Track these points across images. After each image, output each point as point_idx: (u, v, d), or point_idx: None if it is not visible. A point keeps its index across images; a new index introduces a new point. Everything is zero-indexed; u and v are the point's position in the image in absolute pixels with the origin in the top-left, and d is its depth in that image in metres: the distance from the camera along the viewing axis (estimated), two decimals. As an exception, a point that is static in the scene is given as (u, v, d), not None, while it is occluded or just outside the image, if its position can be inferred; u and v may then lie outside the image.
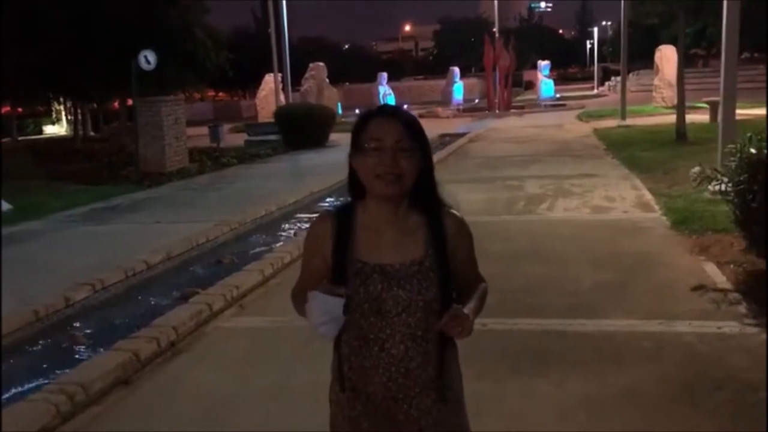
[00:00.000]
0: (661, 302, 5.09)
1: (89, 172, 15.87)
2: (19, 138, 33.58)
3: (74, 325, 5.59)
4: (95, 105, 30.87)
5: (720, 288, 5.30)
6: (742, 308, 4.85)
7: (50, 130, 39.85)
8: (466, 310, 1.72)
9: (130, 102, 18.39)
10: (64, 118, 36.74)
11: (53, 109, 37.01)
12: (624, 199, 9.25)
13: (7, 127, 33.84)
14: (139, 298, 6.30)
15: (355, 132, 1.79)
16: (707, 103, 19.84)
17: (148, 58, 14.70)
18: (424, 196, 1.82)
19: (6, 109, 36.72)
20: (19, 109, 37.60)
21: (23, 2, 17.26)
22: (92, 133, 32.46)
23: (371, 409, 1.83)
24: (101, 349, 4.78)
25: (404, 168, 1.72)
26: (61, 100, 28.92)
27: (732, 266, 5.75)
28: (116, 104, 27.03)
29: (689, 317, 4.75)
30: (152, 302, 6.16)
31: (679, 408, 3.55)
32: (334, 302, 1.68)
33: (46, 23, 17.25)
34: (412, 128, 1.76)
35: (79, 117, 29.98)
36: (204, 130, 23.14)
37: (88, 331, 5.50)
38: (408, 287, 1.75)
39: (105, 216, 10.34)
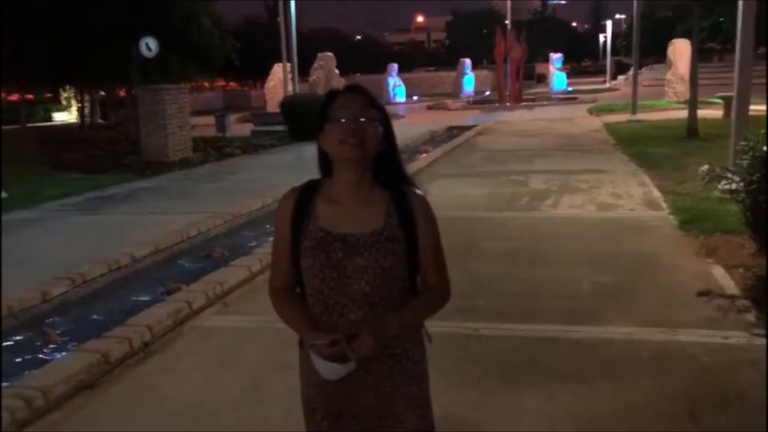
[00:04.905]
0: (664, 308, 4.80)
1: (92, 160, 15.68)
2: (28, 125, 33.47)
3: (48, 322, 5.36)
4: (103, 92, 30.66)
5: (728, 294, 4.99)
6: (751, 317, 4.56)
7: (60, 117, 39.77)
8: (385, 329, 1.81)
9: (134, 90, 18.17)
10: (73, 105, 36.63)
11: (61, 96, 36.91)
12: (631, 196, 8.93)
13: (16, 114, 33.76)
14: (120, 293, 6.06)
15: (323, 107, 1.89)
16: (721, 98, 19.40)
17: (149, 45, 14.46)
18: (386, 171, 1.92)
19: (16, 95, 36.65)
20: (29, 96, 37.52)
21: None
22: (101, 121, 32.30)
23: (327, 385, 1.86)
24: (71, 349, 4.54)
25: (367, 134, 1.83)
26: (68, 87, 28.73)
27: (741, 270, 5.44)
28: (123, 92, 26.82)
29: (694, 326, 4.46)
30: (133, 298, 5.92)
31: (680, 428, 3.27)
32: (336, 370, 1.78)
33: (49, 8, 17.02)
34: (374, 103, 1.89)
35: (87, 104, 29.83)
36: (212, 119, 22.93)
37: (62, 329, 5.27)
38: (366, 255, 1.83)
39: (99, 206, 10.13)
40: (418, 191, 1.95)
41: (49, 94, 38.51)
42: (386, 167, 1.92)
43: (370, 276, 1.83)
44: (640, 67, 26.21)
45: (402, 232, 1.87)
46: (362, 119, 1.84)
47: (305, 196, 1.94)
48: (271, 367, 4.16)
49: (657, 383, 3.71)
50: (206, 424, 3.56)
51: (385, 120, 1.90)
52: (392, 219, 1.88)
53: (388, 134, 1.91)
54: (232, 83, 61.90)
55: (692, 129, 14.90)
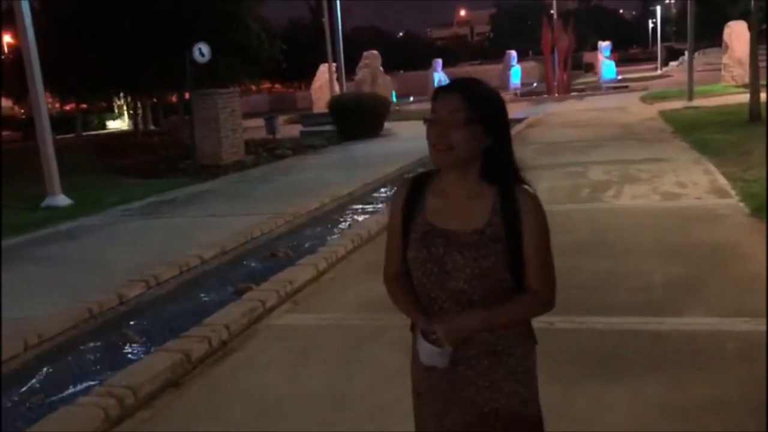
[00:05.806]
0: (745, 298, 4.68)
1: (147, 165, 16.07)
2: (83, 133, 34.53)
3: (127, 323, 5.52)
4: (155, 99, 31.38)
5: (810, 282, 4.83)
6: (837, 304, 4.40)
7: (113, 125, 40.87)
8: (470, 318, 1.82)
9: (187, 95, 18.53)
10: (125, 112, 37.60)
11: (115, 104, 37.90)
12: (696, 184, 8.71)
13: (72, 123, 34.86)
14: (193, 294, 6.20)
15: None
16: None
17: (202, 51, 14.72)
18: (494, 167, 1.85)
19: (71, 105, 37.83)
20: (84, 105, 38.65)
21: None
22: (152, 127, 33.10)
23: (432, 372, 1.89)
24: (153, 349, 4.66)
25: (454, 140, 1.78)
26: (122, 95, 29.49)
27: (822, 257, 5.27)
28: (174, 98, 27.45)
29: (778, 315, 4.33)
30: (205, 299, 6.05)
31: (773, 419, 3.18)
32: (440, 355, 1.81)
33: (103, 19, 17.47)
34: (474, 101, 1.80)
35: (139, 111, 30.56)
36: (260, 122, 23.23)
37: (141, 329, 5.42)
38: (466, 253, 1.81)
39: (161, 210, 10.37)
40: (529, 188, 1.87)
41: (102, 103, 39.61)
42: (494, 162, 1.85)
43: (469, 274, 1.81)
44: (693, 51, 25.51)
45: (505, 231, 1.82)
46: (452, 124, 1.78)
47: (417, 187, 1.94)
48: (347, 365, 4.20)
49: (745, 373, 3.62)
50: (289, 421, 3.61)
51: (489, 116, 1.81)
52: (496, 217, 1.83)
53: (496, 128, 1.83)
54: (277, 85, 62.56)
55: (754, 113, 14.46)
